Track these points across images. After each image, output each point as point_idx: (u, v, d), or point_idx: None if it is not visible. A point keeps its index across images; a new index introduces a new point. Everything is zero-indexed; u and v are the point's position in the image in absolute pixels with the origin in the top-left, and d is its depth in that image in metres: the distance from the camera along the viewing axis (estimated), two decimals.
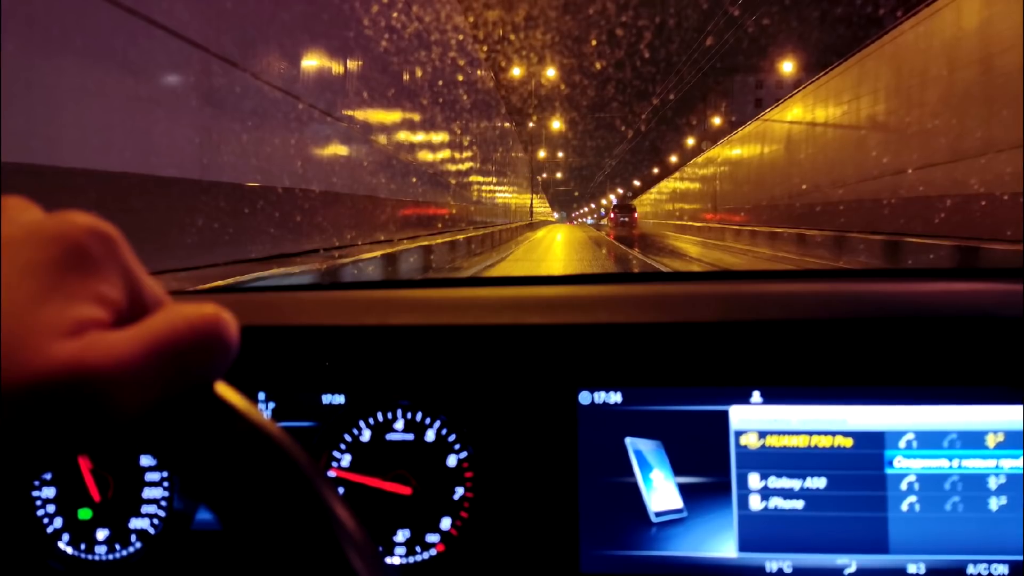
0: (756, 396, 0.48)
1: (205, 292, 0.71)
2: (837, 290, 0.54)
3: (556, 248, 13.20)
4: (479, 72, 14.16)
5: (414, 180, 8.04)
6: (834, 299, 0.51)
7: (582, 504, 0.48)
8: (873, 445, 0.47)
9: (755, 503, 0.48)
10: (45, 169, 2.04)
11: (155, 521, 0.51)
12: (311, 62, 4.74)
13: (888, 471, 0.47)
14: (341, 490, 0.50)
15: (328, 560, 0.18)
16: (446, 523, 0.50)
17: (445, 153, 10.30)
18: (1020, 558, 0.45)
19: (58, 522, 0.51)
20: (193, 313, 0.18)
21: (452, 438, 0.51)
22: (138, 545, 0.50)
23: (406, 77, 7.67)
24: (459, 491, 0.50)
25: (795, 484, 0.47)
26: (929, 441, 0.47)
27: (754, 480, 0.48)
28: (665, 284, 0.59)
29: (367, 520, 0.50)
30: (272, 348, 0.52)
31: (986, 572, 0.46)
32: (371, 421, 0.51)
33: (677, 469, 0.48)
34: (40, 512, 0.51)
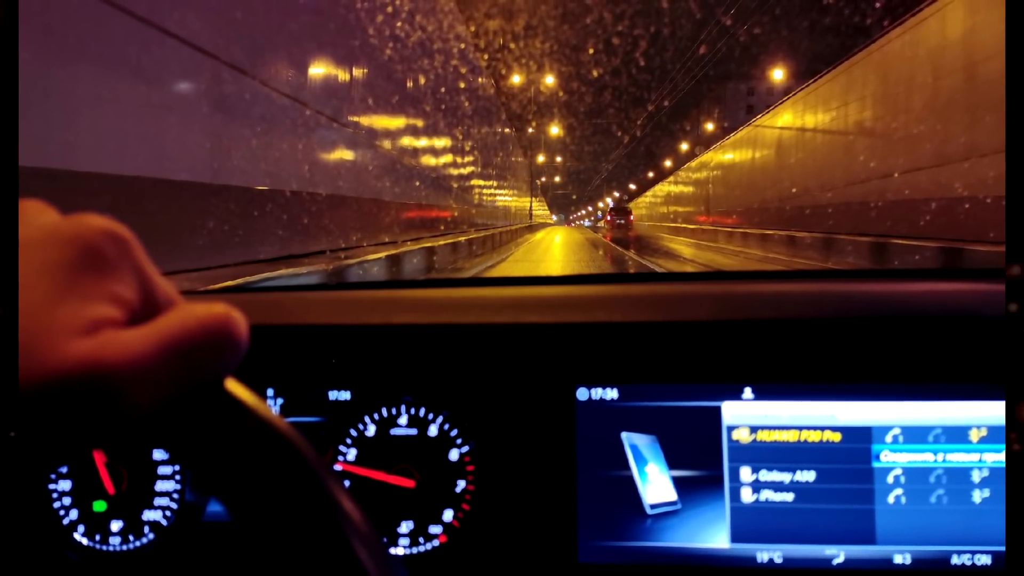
0: (748, 392, 0.50)
1: (216, 292, 0.72)
2: (826, 290, 0.55)
3: (555, 249, 13.19)
4: (480, 79, 14.22)
5: (417, 184, 8.08)
6: (823, 299, 0.53)
7: (580, 497, 0.50)
8: (861, 440, 0.49)
9: (747, 496, 0.49)
10: (61, 173, 2.07)
11: (167, 513, 0.52)
12: (318, 70, 4.79)
13: (875, 465, 0.48)
14: (347, 483, 0.52)
15: (334, 551, 0.19)
16: (448, 515, 0.51)
17: (447, 157, 10.34)
18: (1003, 549, 0.47)
19: (74, 514, 0.52)
20: (204, 312, 0.19)
21: (454, 433, 0.52)
22: (151, 536, 0.52)
23: (410, 84, 7.72)
24: (461, 484, 0.51)
25: (785, 477, 0.49)
26: (915, 436, 0.48)
27: (746, 473, 0.49)
28: (660, 284, 0.61)
29: (372, 512, 0.52)
30: (280, 346, 0.53)
31: (970, 563, 0.47)
32: (376, 416, 0.52)
33: (671, 463, 0.50)
34: (56, 504, 0.52)
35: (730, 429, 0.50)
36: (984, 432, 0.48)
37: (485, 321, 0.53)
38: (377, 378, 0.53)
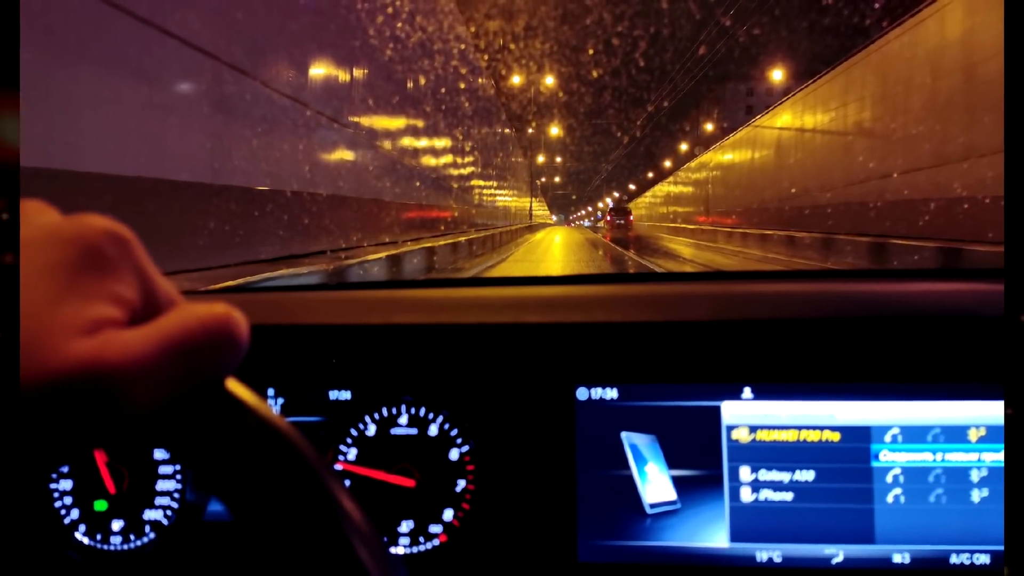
0: (747, 392, 0.50)
1: (216, 292, 0.72)
2: (825, 290, 0.56)
3: (555, 250, 13.24)
4: (480, 80, 14.25)
5: (417, 184, 8.10)
6: (822, 299, 0.53)
7: (580, 496, 0.50)
8: (860, 439, 0.49)
9: (746, 495, 0.49)
10: (63, 173, 2.08)
11: (168, 512, 0.52)
12: (318, 70, 4.80)
13: (874, 464, 0.48)
14: (347, 483, 0.52)
15: (335, 550, 0.19)
16: (448, 514, 0.51)
17: (448, 158, 10.37)
18: (1001, 548, 0.47)
19: (75, 513, 0.52)
20: (205, 312, 0.19)
21: (454, 432, 0.52)
22: (152, 536, 0.52)
23: (410, 84, 7.74)
24: (461, 483, 0.51)
25: (784, 477, 0.49)
26: (914, 435, 0.49)
27: (745, 473, 0.49)
28: (659, 284, 0.61)
29: (372, 511, 0.52)
30: (281, 346, 0.53)
31: (968, 562, 0.47)
32: (376, 416, 0.53)
33: (671, 462, 0.50)
34: (58, 504, 0.52)
35: (729, 429, 0.50)
36: (983, 432, 0.48)
37: (485, 321, 0.53)
38: (377, 378, 0.53)
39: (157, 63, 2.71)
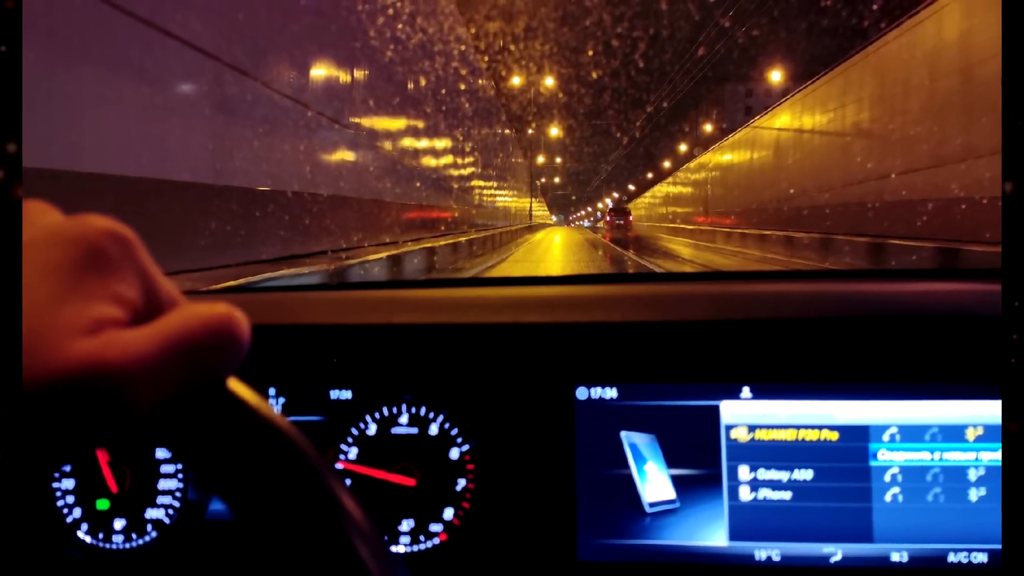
0: (746, 391, 0.50)
1: (218, 292, 0.73)
2: (824, 290, 0.56)
3: (554, 250, 13.28)
4: (480, 81, 14.30)
5: (418, 184, 8.12)
6: (821, 299, 0.53)
7: (579, 495, 0.50)
8: (858, 438, 0.49)
9: (745, 494, 0.49)
10: (65, 174, 2.09)
11: (170, 511, 0.53)
12: (319, 71, 4.81)
13: (872, 463, 0.49)
14: (348, 482, 0.52)
15: (335, 549, 0.19)
16: (449, 513, 0.51)
17: (448, 158, 10.39)
18: (999, 547, 0.47)
19: (77, 512, 0.53)
20: (206, 312, 0.19)
21: (455, 432, 0.52)
22: (154, 534, 0.52)
23: (410, 86, 7.76)
24: (461, 483, 0.52)
25: (783, 476, 0.49)
26: (912, 435, 0.49)
27: (744, 472, 0.49)
28: (659, 284, 0.61)
29: (373, 510, 0.52)
30: (282, 346, 0.53)
31: (966, 560, 0.47)
32: (377, 416, 0.53)
33: (670, 461, 0.50)
34: (60, 503, 0.53)
35: (728, 428, 0.50)
36: (980, 431, 0.48)
37: (485, 321, 0.53)
38: (378, 377, 0.53)
39: (159, 64, 2.72)
